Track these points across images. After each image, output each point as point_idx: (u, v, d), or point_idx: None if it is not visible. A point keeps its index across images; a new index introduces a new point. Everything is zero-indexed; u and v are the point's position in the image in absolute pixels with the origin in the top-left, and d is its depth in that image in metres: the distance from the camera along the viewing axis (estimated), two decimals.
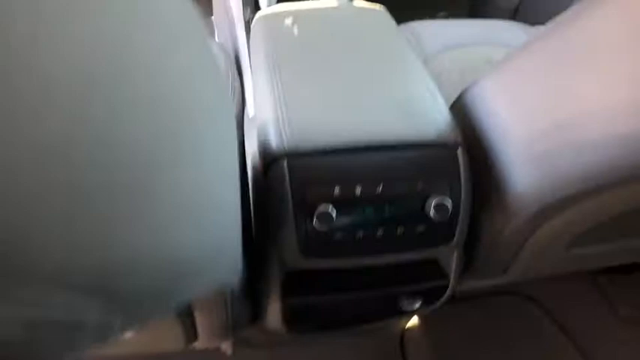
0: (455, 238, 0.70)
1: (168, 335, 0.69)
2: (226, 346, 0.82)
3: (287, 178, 0.59)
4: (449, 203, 0.64)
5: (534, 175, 0.64)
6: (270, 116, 0.64)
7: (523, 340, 1.16)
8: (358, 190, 0.62)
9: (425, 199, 0.65)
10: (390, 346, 1.14)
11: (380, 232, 0.65)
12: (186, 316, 0.64)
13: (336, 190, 0.61)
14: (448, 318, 1.21)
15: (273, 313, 0.76)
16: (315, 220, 0.58)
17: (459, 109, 0.73)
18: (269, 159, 0.60)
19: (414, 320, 1.18)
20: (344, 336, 1.11)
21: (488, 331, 1.18)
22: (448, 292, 0.83)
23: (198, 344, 0.73)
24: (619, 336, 1.16)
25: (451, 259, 0.77)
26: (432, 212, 0.64)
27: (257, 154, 0.65)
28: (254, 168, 0.68)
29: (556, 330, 1.18)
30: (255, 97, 0.73)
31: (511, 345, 1.15)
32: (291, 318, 0.75)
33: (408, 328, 1.17)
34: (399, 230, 0.65)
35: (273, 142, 0.61)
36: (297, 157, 0.60)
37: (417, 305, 0.82)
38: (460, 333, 1.16)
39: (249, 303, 0.77)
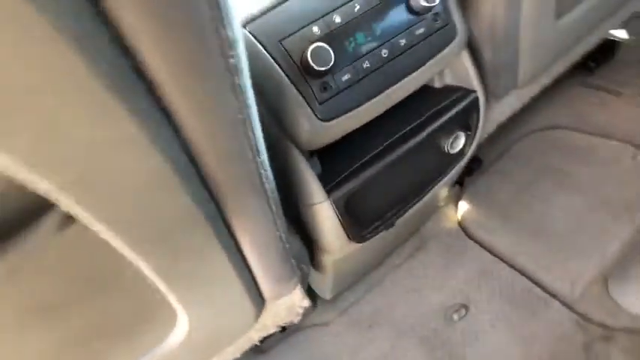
0: (457, 34, 0.62)
1: (235, 311, 0.56)
2: (300, 298, 0.69)
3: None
4: None
5: None
6: None
7: (566, 165, 1.09)
8: (337, 19, 0.54)
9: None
10: (449, 231, 1.04)
11: (384, 53, 0.56)
12: (245, 273, 0.52)
13: (315, 28, 0.52)
14: (488, 185, 1.13)
15: (333, 231, 0.64)
16: (310, 62, 0.50)
17: None
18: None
19: (465, 202, 1.09)
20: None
21: (530, 174, 1.10)
22: (481, 111, 0.75)
23: (267, 307, 0.61)
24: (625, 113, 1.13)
25: (465, 62, 0.70)
26: (419, 4, 0.56)
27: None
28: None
29: (587, 136, 1.13)
30: None
31: (559, 172, 1.08)
32: (351, 221, 0.64)
33: (462, 212, 1.08)
34: (401, 41, 0.57)
35: None
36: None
37: (462, 141, 0.73)
38: (508, 188, 1.08)
39: (302, 238, 0.66)
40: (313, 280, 0.95)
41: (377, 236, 0.78)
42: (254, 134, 0.39)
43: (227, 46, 0.28)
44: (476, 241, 1.02)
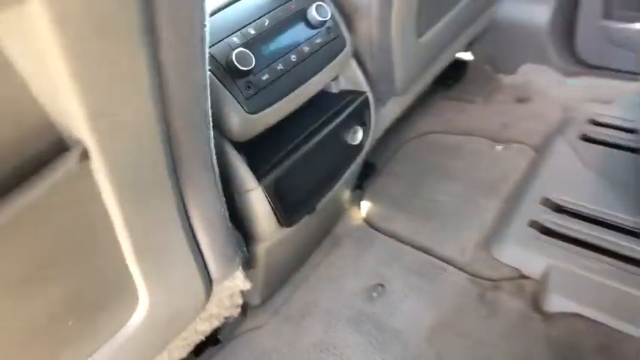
0: (346, 45, 0.79)
1: (188, 289, 0.63)
2: (242, 280, 0.76)
3: None
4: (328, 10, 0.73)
5: None
6: None
7: (443, 160, 1.32)
8: (252, 31, 0.66)
9: (305, 14, 0.73)
10: (357, 227, 1.19)
11: (293, 58, 0.70)
12: (196, 249, 0.60)
13: (235, 38, 0.65)
14: (383, 185, 1.31)
15: (265, 216, 0.75)
16: (235, 63, 0.62)
17: None
18: None
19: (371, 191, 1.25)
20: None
21: (416, 171, 1.30)
22: (372, 109, 0.91)
23: (214, 292, 0.69)
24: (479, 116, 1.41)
25: (355, 69, 0.86)
26: (315, 19, 0.72)
27: None
28: None
29: (455, 136, 1.38)
30: None
31: (439, 166, 1.30)
32: (280, 205, 0.75)
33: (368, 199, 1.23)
34: (305, 49, 0.72)
35: None
36: None
37: (360, 134, 0.88)
38: (400, 184, 1.27)
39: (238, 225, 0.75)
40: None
41: (299, 231, 0.89)
42: (207, 106, 0.49)
43: (204, 18, 0.38)
44: (380, 232, 1.17)
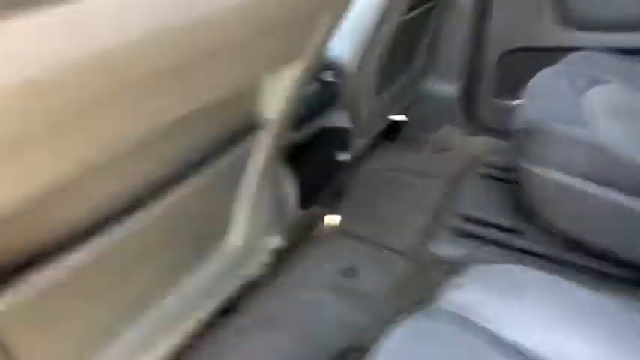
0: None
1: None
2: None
3: None
4: None
5: None
6: None
7: (394, 192, 1.82)
8: None
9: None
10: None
11: None
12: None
13: None
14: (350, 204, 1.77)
15: None
16: None
17: None
18: None
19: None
20: None
21: (373, 194, 1.78)
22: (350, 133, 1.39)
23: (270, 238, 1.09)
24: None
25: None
26: None
27: None
28: None
29: (400, 173, 1.89)
30: None
31: (393, 193, 1.79)
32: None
33: None
34: None
35: None
36: None
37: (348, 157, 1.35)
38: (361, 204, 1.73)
39: None
40: None
41: None
42: None
43: None
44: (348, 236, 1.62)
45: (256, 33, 0.59)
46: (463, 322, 0.70)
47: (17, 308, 0.54)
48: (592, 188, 1.25)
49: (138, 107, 0.51)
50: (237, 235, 0.98)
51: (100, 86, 0.44)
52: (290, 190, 1.15)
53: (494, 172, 1.87)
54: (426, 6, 1.65)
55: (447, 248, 1.53)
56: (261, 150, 0.83)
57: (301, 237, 1.51)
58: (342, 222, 1.67)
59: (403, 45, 1.66)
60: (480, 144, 2.07)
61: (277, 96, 0.72)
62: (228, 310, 1.28)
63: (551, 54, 1.75)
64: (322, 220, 1.64)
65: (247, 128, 0.76)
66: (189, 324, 0.94)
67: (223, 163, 0.74)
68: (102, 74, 0.43)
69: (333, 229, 1.64)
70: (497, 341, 0.66)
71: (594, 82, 1.46)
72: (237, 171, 0.82)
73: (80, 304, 0.65)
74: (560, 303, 0.73)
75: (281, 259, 1.40)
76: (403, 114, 2.13)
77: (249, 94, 0.73)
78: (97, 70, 0.42)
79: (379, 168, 1.94)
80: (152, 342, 0.84)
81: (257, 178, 0.89)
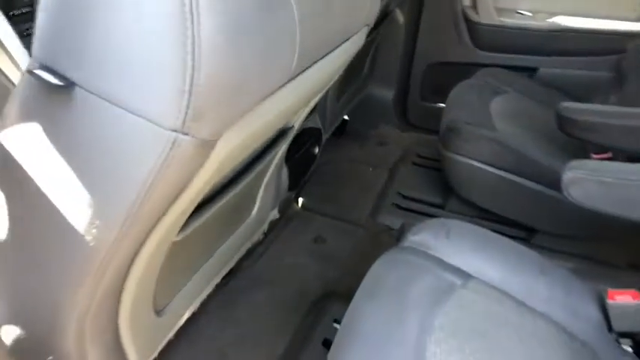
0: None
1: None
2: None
3: None
4: None
5: None
6: None
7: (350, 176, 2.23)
8: None
9: None
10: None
11: None
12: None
13: None
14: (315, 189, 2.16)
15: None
16: None
17: None
18: None
19: None
20: None
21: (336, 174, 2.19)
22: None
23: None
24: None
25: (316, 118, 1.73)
26: None
27: None
28: None
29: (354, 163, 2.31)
30: None
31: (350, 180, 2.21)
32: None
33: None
34: None
35: None
36: None
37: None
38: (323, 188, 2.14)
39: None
40: None
41: None
42: None
43: None
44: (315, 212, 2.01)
45: None
46: (421, 253, 1.12)
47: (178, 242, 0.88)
48: (496, 171, 1.75)
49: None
50: (255, 210, 1.34)
51: None
52: (284, 176, 1.52)
53: (422, 161, 2.36)
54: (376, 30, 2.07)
55: (390, 219, 1.98)
56: (282, 148, 1.20)
57: (283, 213, 1.89)
58: (308, 202, 2.06)
59: (357, 58, 2.07)
60: (412, 138, 2.55)
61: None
62: (226, 274, 1.63)
63: (465, 67, 2.26)
64: (295, 200, 2.02)
65: (281, 134, 1.11)
66: (222, 272, 1.30)
67: (267, 158, 1.10)
68: None
69: (303, 208, 2.03)
70: (444, 265, 1.09)
71: (497, 92, 1.98)
72: (268, 164, 1.18)
73: (188, 247, 0.98)
74: (481, 241, 1.18)
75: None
76: (348, 114, 2.56)
77: None
78: None
79: (334, 158, 2.36)
80: (207, 281, 1.20)
81: (275, 168, 1.26)
